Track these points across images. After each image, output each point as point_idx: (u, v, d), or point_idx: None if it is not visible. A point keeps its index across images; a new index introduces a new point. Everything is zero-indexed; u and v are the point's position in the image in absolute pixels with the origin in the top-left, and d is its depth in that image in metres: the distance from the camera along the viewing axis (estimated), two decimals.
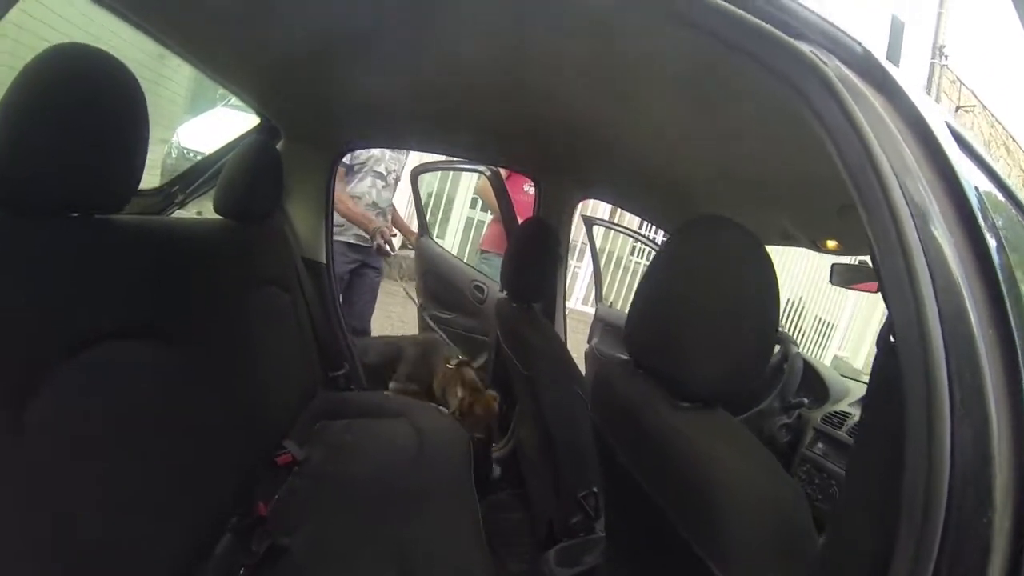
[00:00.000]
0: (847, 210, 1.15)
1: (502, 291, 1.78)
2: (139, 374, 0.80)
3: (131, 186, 0.80)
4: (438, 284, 2.39)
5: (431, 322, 2.40)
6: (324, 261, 1.79)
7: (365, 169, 2.18)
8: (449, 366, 1.92)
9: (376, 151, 2.17)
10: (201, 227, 1.28)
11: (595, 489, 1.27)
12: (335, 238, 1.99)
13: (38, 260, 0.67)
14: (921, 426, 0.48)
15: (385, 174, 2.24)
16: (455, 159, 2.31)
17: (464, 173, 5.51)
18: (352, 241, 2.18)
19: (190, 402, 0.90)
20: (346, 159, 2.01)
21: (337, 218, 2.05)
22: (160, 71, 4.65)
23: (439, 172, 5.20)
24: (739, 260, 0.67)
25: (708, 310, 0.66)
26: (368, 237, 2.19)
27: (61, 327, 0.68)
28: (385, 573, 0.96)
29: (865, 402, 0.60)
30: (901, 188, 0.52)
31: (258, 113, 1.56)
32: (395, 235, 2.34)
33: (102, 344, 0.72)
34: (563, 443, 1.30)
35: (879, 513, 0.56)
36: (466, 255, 4.34)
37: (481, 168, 2.34)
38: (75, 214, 0.75)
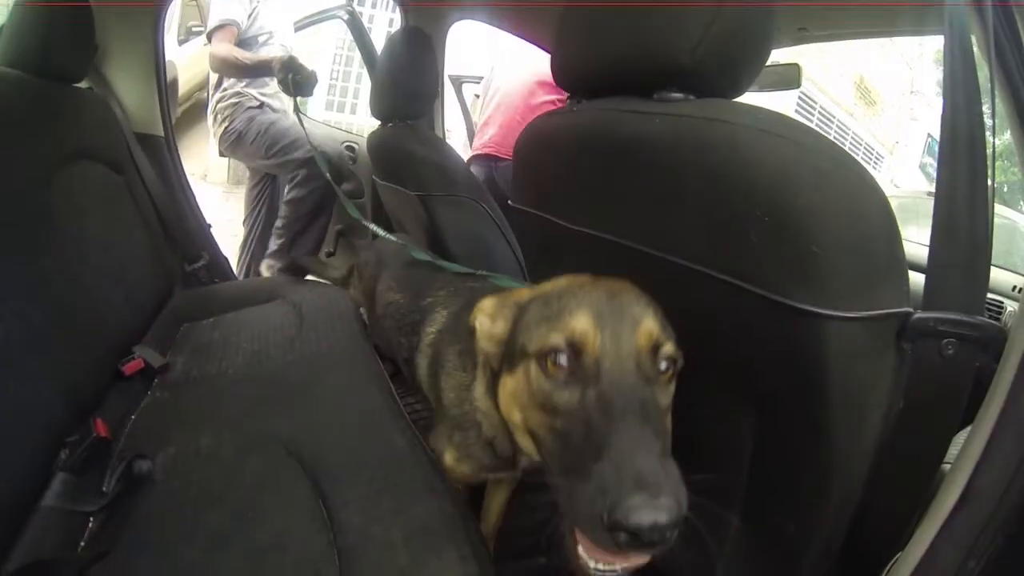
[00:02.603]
0: None
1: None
2: None
3: None
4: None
5: None
6: (162, 134, 1.50)
7: (273, 40, 1.77)
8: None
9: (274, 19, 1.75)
10: None
11: None
12: (283, 158, 1.79)
13: None
14: None
15: (289, 49, 1.82)
16: (310, 16, 2.06)
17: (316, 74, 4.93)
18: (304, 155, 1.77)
19: None
20: (243, 26, 1.68)
21: (282, 136, 1.78)
22: None
23: None
24: None
25: None
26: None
27: None
28: (287, 474, 0.75)
29: None
30: None
31: None
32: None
33: None
34: (470, 263, 1.09)
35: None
36: None
37: (338, 13, 2.09)
38: None
